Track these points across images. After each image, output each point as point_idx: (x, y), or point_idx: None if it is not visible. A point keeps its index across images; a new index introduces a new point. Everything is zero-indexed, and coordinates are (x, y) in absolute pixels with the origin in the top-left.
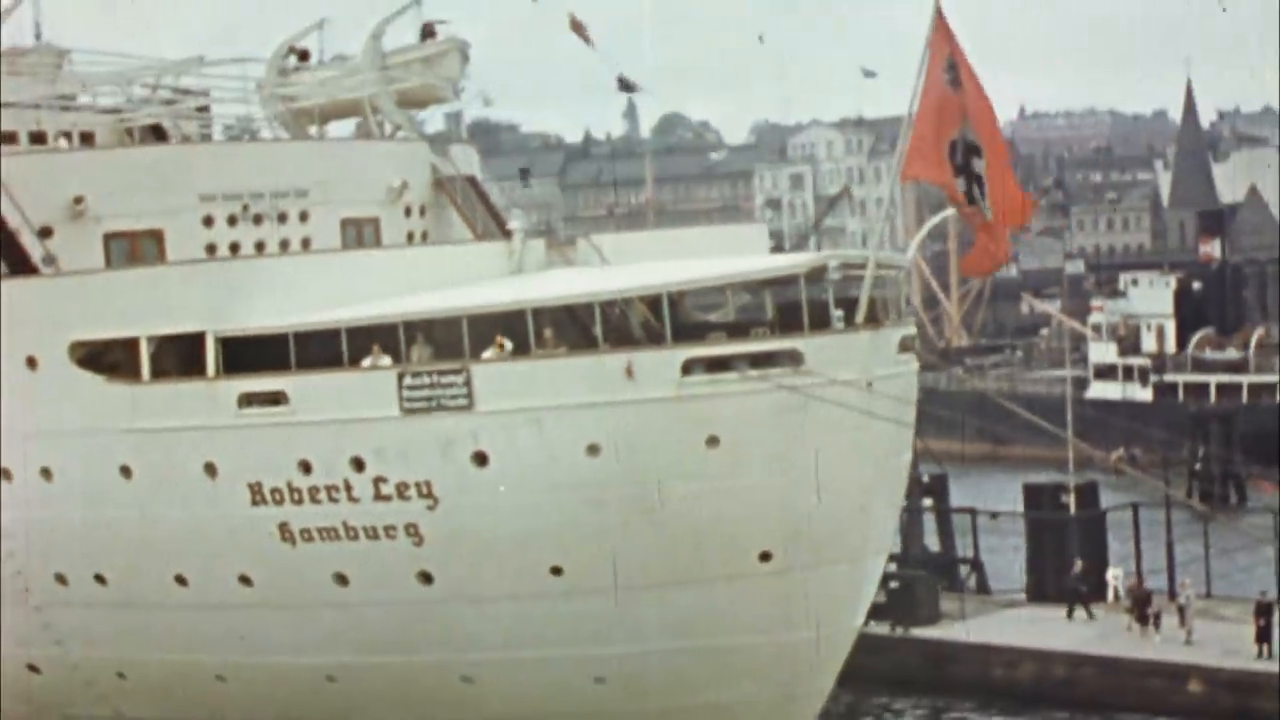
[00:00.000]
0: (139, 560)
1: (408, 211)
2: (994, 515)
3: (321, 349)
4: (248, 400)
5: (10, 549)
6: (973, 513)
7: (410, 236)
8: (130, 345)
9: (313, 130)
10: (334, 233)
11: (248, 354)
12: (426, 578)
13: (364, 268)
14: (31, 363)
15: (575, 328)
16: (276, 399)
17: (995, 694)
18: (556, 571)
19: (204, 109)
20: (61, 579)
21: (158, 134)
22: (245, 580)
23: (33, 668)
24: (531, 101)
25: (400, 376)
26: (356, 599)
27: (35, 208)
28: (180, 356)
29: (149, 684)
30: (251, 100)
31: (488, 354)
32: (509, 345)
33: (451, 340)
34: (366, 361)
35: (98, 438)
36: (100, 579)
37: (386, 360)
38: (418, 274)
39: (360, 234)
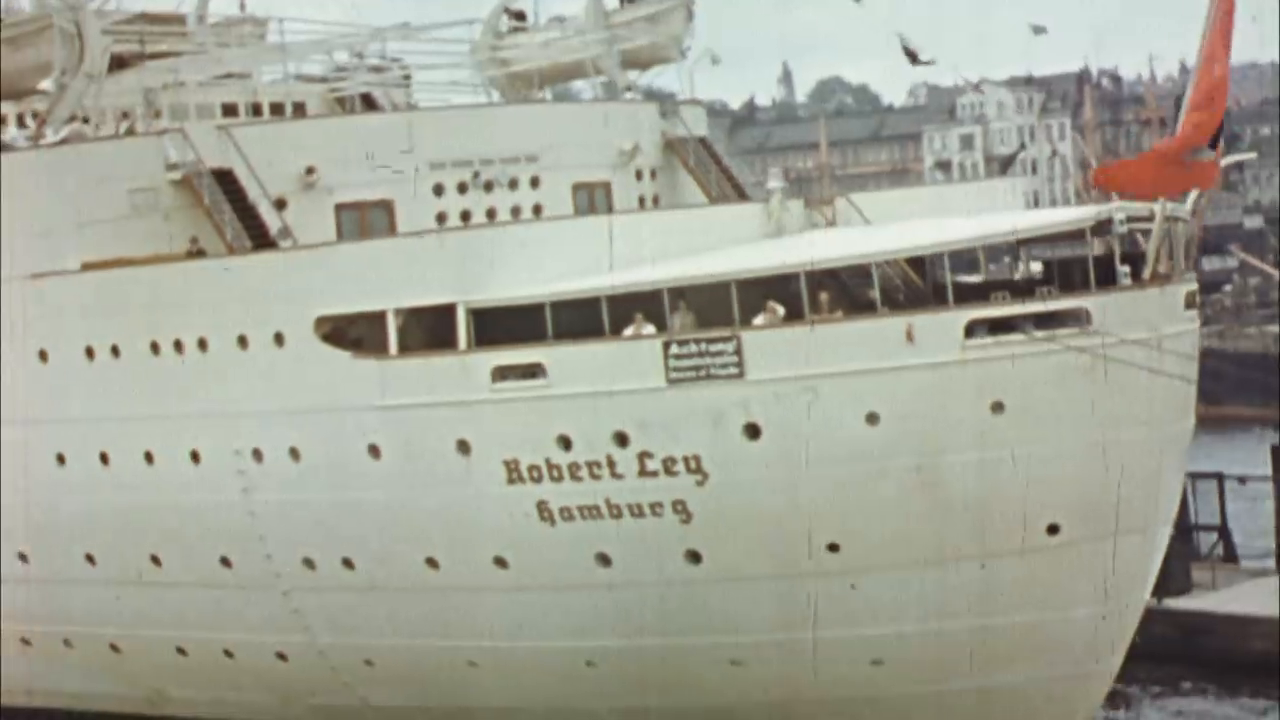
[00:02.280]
0: (388, 543)
1: (639, 175)
2: (1242, 480)
3: (579, 318)
4: (502, 374)
5: (262, 532)
6: (1219, 477)
7: (641, 201)
8: (377, 319)
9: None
10: (565, 198)
11: (499, 325)
12: (695, 557)
13: (618, 233)
14: (279, 339)
15: (839, 290)
16: (533, 371)
17: (1253, 668)
18: (833, 549)
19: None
20: (309, 563)
21: (368, 103)
22: (500, 562)
23: (280, 655)
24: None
25: (666, 345)
26: (619, 580)
27: (269, 179)
28: (427, 330)
29: (397, 671)
30: (465, 65)
31: (759, 320)
32: (780, 310)
33: (716, 306)
34: (629, 330)
35: (345, 416)
36: (348, 563)
37: (650, 329)
38: (673, 238)
39: (592, 199)
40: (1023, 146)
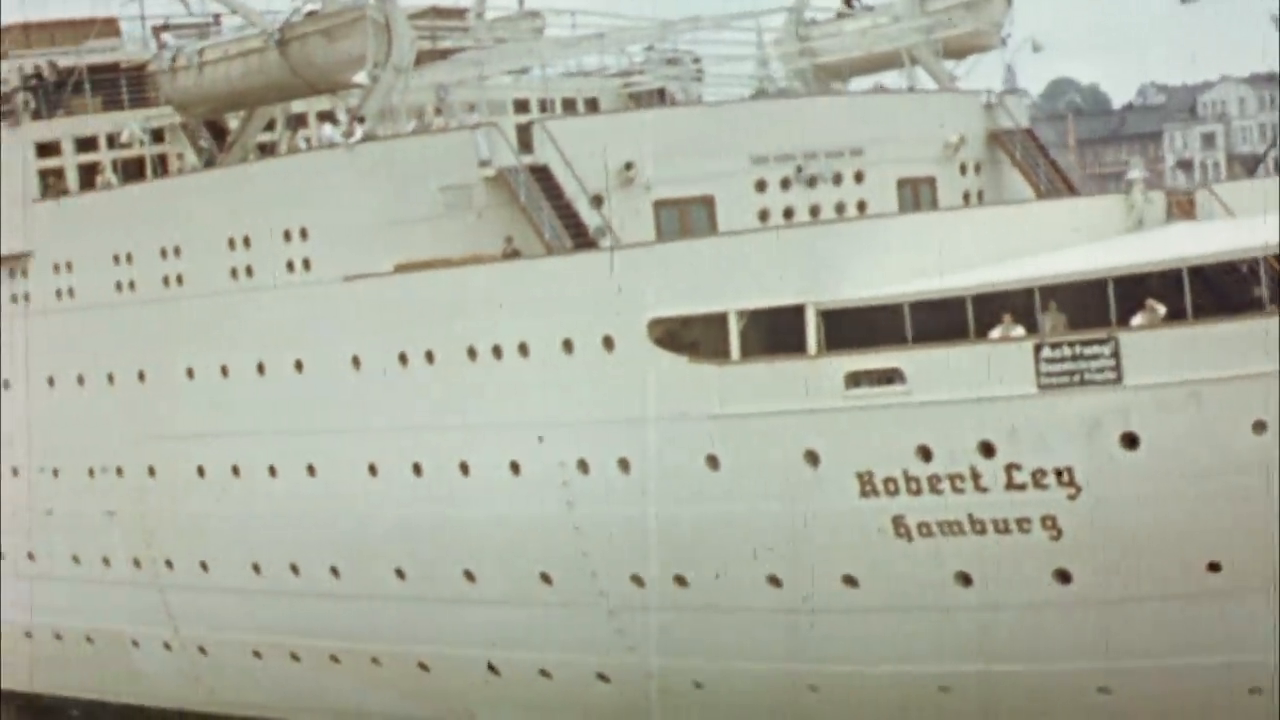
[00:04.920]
0: (726, 560)
1: (963, 169)
2: None
3: (938, 319)
4: (855, 380)
5: (586, 548)
6: None
7: (966, 197)
8: (716, 321)
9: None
10: (889, 194)
11: (848, 327)
12: (1064, 576)
13: (976, 227)
14: (608, 343)
15: (1204, 288)
16: (890, 377)
17: None
18: (1214, 568)
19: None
20: (638, 580)
21: (663, 98)
22: (850, 581)
23: (602, 676)
24: None
25: (1037, 348)
26: (980, 601)
27: (585, 176)
28: (765, 333)
29: (730, 695)
30: (769, 57)
31: (1137, 320)
32: (1161, 309)
33: (1088, 305)
34: (995, 332)
35: (680, 425)
36: (680, 580)
37: (1019, 330)
38: (1030, 233)
39: (916, 195)
40: (1275, 144)
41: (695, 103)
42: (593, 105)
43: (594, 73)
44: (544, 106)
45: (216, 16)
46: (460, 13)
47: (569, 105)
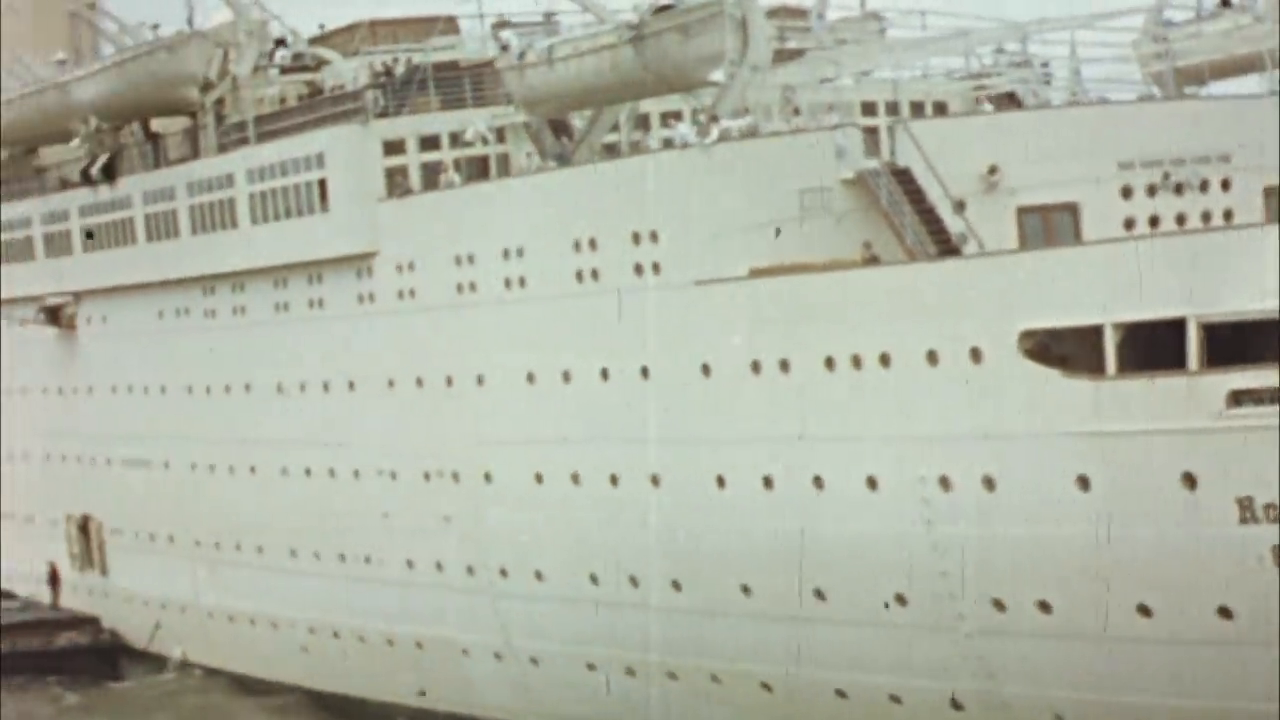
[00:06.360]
0: (1094, 586)
1: None
2: None
3: None
4: (1238, 399)
5: (945, 568)
6: None
7: None
8: (1090, 334)
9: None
10: (1255, 202)
11: (1230, 343)
12: None
13: None
14: (975, 355)
15: None
16: (1275, 397)
17: None
18: None
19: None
20: (998, 604)
21: (1013, 102)
22: (1225, 612)
23: (955, 704)
24: None
25: None
26: None
27: (949, 180)
28: (1138, 346)
29: None
30: (1128, 59)
31: None
32: None
33: None
34: None
35: (1051, 442)
36: (1044, 606)
37: None
38: None
39: None
40: None
41: (1046, 105)
42: (940, 108)
43: (934, 75)
44: (891, 109)
45: (549, 14)
46: (803, 13)
47: (917, 108)
